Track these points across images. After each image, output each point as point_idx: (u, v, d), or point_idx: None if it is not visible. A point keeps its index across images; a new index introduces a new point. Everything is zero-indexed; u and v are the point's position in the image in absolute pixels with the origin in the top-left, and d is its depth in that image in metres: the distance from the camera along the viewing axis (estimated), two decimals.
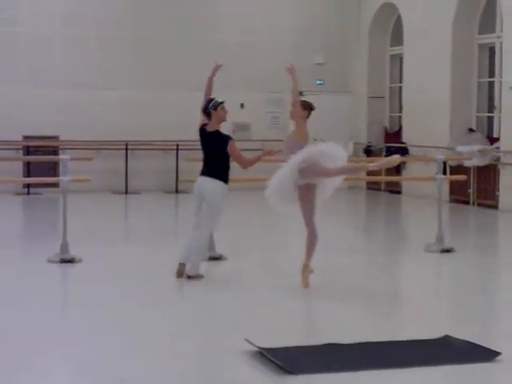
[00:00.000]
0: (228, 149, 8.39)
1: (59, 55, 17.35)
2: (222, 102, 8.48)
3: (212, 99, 8.49)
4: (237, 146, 8.50)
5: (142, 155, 17.57)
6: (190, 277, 8.43)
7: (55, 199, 15.16)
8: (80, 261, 9.37)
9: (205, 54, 18.21)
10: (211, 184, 8.36)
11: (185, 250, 8.49)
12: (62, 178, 9.60)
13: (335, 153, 8.00)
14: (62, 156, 10.31)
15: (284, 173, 7.96)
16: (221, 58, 17.89)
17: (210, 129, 8.46)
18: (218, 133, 8.48)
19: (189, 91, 17.95)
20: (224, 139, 8.43)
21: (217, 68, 8.91)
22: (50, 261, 9.33)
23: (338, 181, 8.18)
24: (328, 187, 8.16)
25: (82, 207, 14.16)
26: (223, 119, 8.53)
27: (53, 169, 16.13)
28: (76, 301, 7.81)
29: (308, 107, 8.29)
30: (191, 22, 18.11)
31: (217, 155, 8.41)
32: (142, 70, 17.82)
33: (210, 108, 8.43)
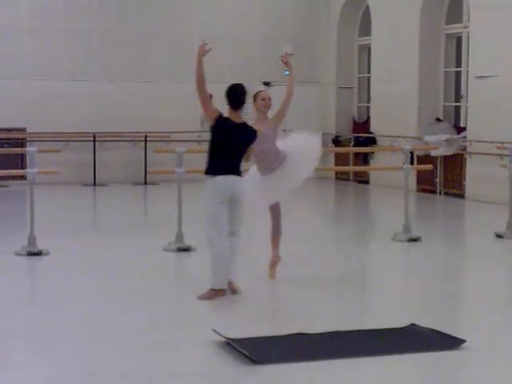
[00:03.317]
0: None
1: (26, 47, 17.21)
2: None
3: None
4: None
5: (110, 147, 17.49)
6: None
7: (22, 192, 15.04)
8: (47, 254, 9.33)
9: (173, 46, 18.19)
10: (243, 184, 7.43)
11: (227, 264, 7.31)
12: (29, 171, 9.55)
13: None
14: (29, 148, 10.24)
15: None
16: (188, 50, 18.14)
17: (238, 120, 7.42)
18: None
19: (156, 83, 17.93)
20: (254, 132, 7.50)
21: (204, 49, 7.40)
22: (17, 254, 9.28)
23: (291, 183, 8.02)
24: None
25: (49, 199, 14.07)
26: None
27: (20, 161, 16.01)
28: (44, 294, 7.77)
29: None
30: (159, 13, 18.02)
31: (244, 150, 7.44)
32: (110, 61, 17.72)
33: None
